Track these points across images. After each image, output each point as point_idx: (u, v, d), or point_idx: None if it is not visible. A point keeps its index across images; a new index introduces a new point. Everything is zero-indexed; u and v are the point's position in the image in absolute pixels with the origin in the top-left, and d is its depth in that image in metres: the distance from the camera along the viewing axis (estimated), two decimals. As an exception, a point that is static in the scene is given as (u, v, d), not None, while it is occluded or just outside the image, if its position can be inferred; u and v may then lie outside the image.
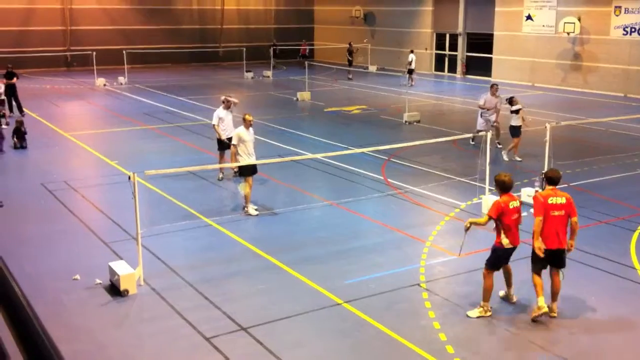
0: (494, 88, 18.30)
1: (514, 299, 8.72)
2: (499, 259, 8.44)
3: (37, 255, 10.43)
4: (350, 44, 38.10)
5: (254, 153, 12.71)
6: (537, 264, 8.34)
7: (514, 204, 8.31)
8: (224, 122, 14.66)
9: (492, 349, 7.62)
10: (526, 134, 17.82)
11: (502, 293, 8.79)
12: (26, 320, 1.35)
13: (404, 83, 32.06)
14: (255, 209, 12.51)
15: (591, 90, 30.38)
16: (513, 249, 8.41)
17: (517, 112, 16.82)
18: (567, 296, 8.91)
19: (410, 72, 32.94)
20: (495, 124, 17.94)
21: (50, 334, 1.37)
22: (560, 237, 8.21)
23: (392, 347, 7.64)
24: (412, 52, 34.15)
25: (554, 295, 8.38)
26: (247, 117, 12.73)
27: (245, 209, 12.52)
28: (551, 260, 8.30)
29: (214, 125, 14.76)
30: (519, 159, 16.74)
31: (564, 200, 8.34)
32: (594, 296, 9.01)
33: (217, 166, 14.45)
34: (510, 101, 17.01)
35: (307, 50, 43.95)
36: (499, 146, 17.90)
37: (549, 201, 8.22)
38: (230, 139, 13.19)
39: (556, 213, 8.19)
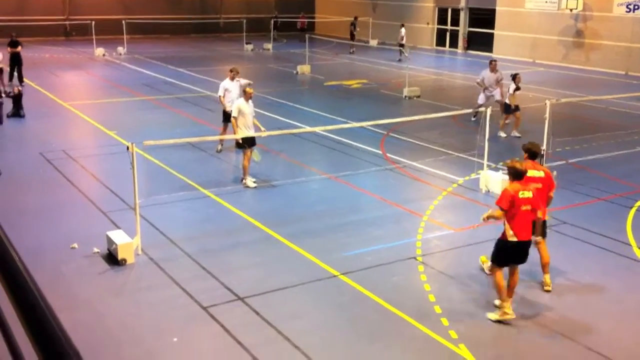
0: (493, 64, 18.14)
1: (512, 315, 7.70)
2: (504, 253, 7.69)
3: (36, 225, 10.46)
4: (355, 18, 37.75)
5: (252, 126, 12.66)
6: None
7: (525, 194, 7.55)
8: (230, 93, 14.44)
9: (486, 322, 7.69)
10: (526, 110, 17.78)
11: (497, 302, 7.93)
12: (25, 290, 1.36)
13: (399, 58, 32.27)
14: (254, 182, 12.53)
15: (593, 68, 30.24)
16: (521, 244, 7.58)
17: (517, 89, 16.73)
18: (563, 271, 8.98)
19: (401, 46, 32.96)
20: (500, 99, 17.80)
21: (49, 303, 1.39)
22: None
23: (388, 319, 7.71)
24: (402, 26, 34.12)
25: (544, 267, 8.37)
26: (247, 89, 12.71)
27: (244, 181, 12.54)
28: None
29: (219, 96, 14.63)
30: (518, 134, 16.70)
31: (542, 174, 8.31)
32: (589, 272, 9.07)
33: (216, 138, 14.42)
34: (514, 78, 16.86)
35: (306, 23, 43.41)
36: (507, 122, 17.74)
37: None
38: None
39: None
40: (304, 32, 39.74)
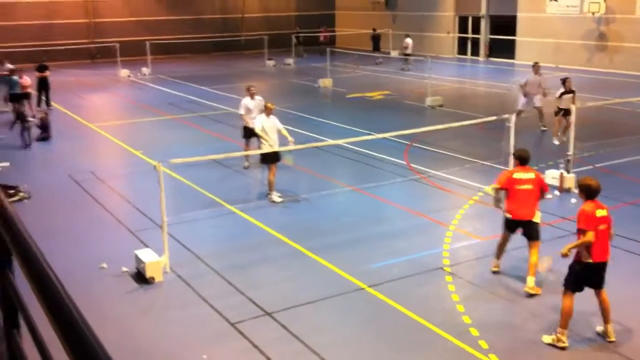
0: (536, 66, 18.14)
1: (612, 337, 7.33)
2: (577, 276, 7.26)
3: (65, 246, 10.61)
4: (374, 30, 37.83)
5: (276, 141, 12.72)
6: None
7: (601, 212, 7.20)
8: (252, 112, 14.51)
9: (516, 331, 7.61)
10: (551, 115, 17.63)
11: (599, 328, 7.53)
12: (66, 311, 1.40)
13: (402, 67, 32.90)
14: (279, 196, 12.58)
15: (617, 71, 29.87)
16: (597, 265, 7.19)
17: (567, 93, 16.34)
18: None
19: (408, 55, 33.30)
20: (539, 106, 17.74)
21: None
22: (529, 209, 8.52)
23: (417, 331, 7.67)
24: (407, 36, 34.34)
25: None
26: (268, 105, 12.80)
27: (269, 196, 12.60)
28: (522, 229, 8.67)
29: (241, 115, 14.73)
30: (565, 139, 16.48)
31: (532, 175, 8.67)
32: (619, 277, 8.93)
33: (242, 154, 14.50)
34: (564, 82, 16.47)
35: (329, 37, 43.54)
36: (544, 129, 17.71)
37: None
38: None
39: (523, 187, 8.44)
40: (325, 45, 39.99)
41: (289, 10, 46.14)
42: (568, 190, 12.56)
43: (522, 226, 8.79)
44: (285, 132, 12.67)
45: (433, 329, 7.64)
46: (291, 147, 12.77)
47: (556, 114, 16.50)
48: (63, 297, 1.43)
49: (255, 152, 13.13)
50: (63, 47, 36.94)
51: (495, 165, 14.25)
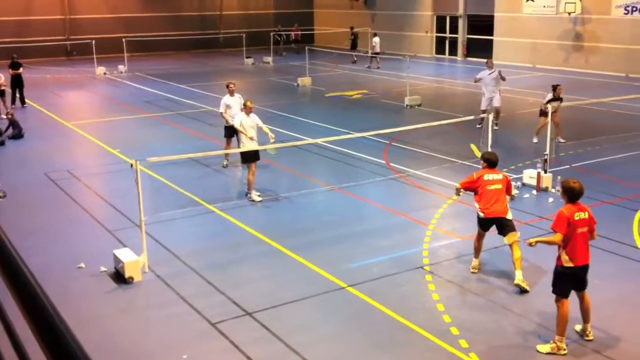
0: (489, 62, 18.57)
1: (590, 336, 7.39)
2: (563, 282, 7.19)
3: (42, 245, 10.47)
4: (351, 28, 37.86)
5: (257, 139, 12.68)
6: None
7: (580, 215, 7.10)
8: (232, 109, 14.46)
9: (496, 329, 7.66)
10: (527, 115, 17.79)
11: (577, 327, 7.55)
12: (43, 310, 1.37)
13: (370, 65, 33.42)
14: (259, 195, 12.53)
15: (593, 71, 30.23)
16: (579, 269, 7.13)
17: (554, 100, 16.19)
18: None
19: (376, 54, 33.69)
20: (498, 106, 17.96)
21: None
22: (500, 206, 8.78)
23: (397, 330, 7.68)
24: (375, 35, 34.92)
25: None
26: (248, 103, 12.75)
27: (249, 195, 12.55)
28: (497, 228, 8.87)
29: (221, 112, 14.64)
30: (562, 140, 16.57)
31: (500, 176, 8.97)
32: (597, 276, 9.02)
33: (220, 152, 14.42)
34: (555, 88, 16.33)
35: (300, 35, 42.66)
36: (495, 128, 17.84)
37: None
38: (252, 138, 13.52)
39: (493, 187, 8.76)
40: (297, 43, 40.10)
41: (267, 8, 46.01)
42: (545, 190, 12.68)
43: (495, 224, 8.90)
44: (266, 129, 12.63)
45: (413, 328, 7.66)
46: (271, 145, 12.72)
47: (542, 115, 16.32)
48: (39, 296, 1.40)
49: (234, 151, 13.06)
50: (39, 44, 36.48)
51: (474, 165, 14.32)
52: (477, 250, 9.22)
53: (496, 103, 18.02)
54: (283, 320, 7.93)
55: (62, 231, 11.17)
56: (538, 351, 7.17)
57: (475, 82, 18.69)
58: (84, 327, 7.76)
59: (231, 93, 14.52)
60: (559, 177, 12.85)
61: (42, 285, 1.46)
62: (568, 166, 14.47)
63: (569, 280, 7.15)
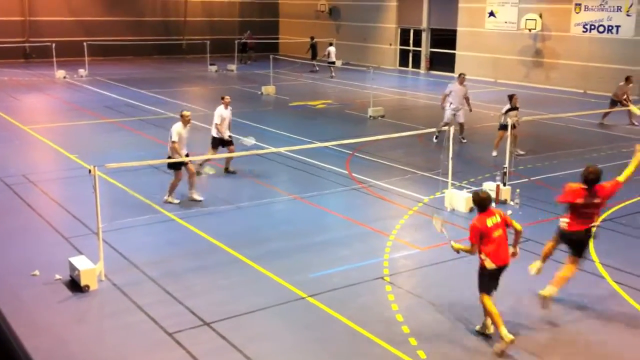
0: (461, 77, 18.45)
1: (490, 330, 7.80)
2: (485, 282, 7.66)
3: (-5, 251, 10.20)
4: (312, 38, 37.90)
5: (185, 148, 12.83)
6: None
7: (492, 220, 7.60)
8: (225, 121, 14.58)
9: (454, 340, 7.69)
10: (488, 128, 18.02)
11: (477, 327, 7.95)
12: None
13: (333, 75, 34.06)
14: (178, 201, 12.67)
15: (552, 87, 30.86)
16: (500, 268, 7.62)
17: (511, 110, 16.43)
18: (528, 286, 9.05)
19: (331, 63, 34.50)
20: (462, 122, 18.09)
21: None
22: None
23: (356, 340, 7.67)
24: (331, 44, 35.72)
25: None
26: (184, 113, 12.84)
27: (167, 198, 12.64)
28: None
29: (216, 124, 14.52)
30: (522, 152, 16.83)
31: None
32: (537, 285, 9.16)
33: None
34: (511, 98, 16.56)
35: (254, 44, 41.54)
36: (463, 141, 18.11)
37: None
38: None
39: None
40: (252, 51, 40.05)
41: (232, 16, 45.87)
42: (504, 202, 12.85)
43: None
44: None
45: (372, 339, 7.65)
46: (233, 154, 12.69)
47: (500, 128, 16.49)
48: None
49: (198, 159, 12.97)
50: (-4, 45, 35.73)
51: (434, 177, 14.45)
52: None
53: (460, 119, 18.12)
54: (241, 330, 7.85)
55: (16, 237, 10.89)
56: (495, 352, 7.39)
57: (445, 97, 18.26)
58: (37, 335, 7.57)
59: (226, 105, 14.61)
60: (518, 190, 13.05)
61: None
62: (526, 179, 14.70)
63: (491, 279, 7.66)
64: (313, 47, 37.24)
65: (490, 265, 7.56)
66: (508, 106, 16.59)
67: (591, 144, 18.64)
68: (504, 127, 16.29)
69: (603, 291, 9.21)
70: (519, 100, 16.77)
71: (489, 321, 7.75)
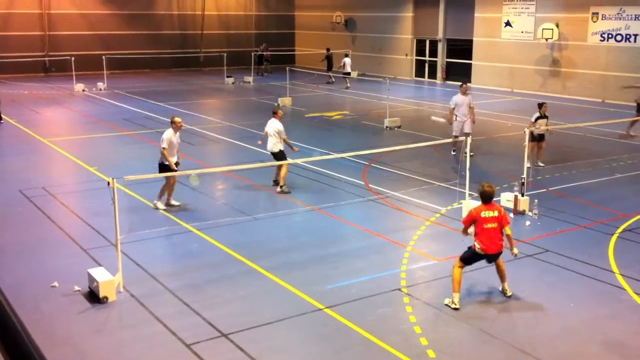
0: (463, 87, 18.17)
1: (509, 293, 9.02)
2: (469, 258, 8.87)
3: (15, 263, 10.30)
4: (327, 50, 37.87)
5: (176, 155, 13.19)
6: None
7: (488, 213, 8.70)
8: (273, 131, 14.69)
9: (473, 352, 7.64)
10: (505, 139, 17.94)
11: (500, 287, 9.16)
12: (11, 328, 1.34)
13: (346, 86, 33.98)
14: (164, 208, 12.98)
15: (570, 96, 30.68)
16: (489, 255, 8.80)
17: (541, 118, 16.35)
18: (547, 298, 8.98)
19: (346, 74, 34.60)
20: (469, 131, 17.46)
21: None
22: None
23: (374, 352, 7.64)
24: (346, 55, 36.00)
25: (502, 277, 9.10)
26: (175, 119, 13.21)
27: (156, 202, 13.02)
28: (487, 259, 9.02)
29: (284, 138, 14.63)
30: (541, 164, 16.65)
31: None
32: (572, 299, 9.08)
33: (197, 171, 14.37)
34: (540, 106, 16.50)
35: (269, 55, 41.57)
36: (471, 154, 17.56)
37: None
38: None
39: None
40: (268, 63, 40.26)
41: (248, 29, 46.16)
42: (522, 213, 12.76)
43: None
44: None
45: (390, 351, 7.62)
46: (254, 165, 12.76)
47: (531, 140, 15.59)
48: (9, 315, 1.36)
49: (201, 171, 13.02)
50: (17, 60, 36.22)
51: (451, 187, 14.41)
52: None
53: (467, 129, 17.63)
54: (258, 342, 7.85)
55: (36, 249, 10.99)
56: (445, 304, 8.69)
57: (453, 108, 17.98)
58: (56, 347, 7.63)
59: (279, 117, 14.86)
60: (536, 200, 12.96)
61: (14, 304, 1.42)
62: (545, 189, 14.60)
63: (478, 259, 8.84)
64: (329, 59, 37.32)
65: (478, 250, 8.67)
66: (537, 114, 16.45)
67: (610, 154, 18.49)
68: (537, 137, 16.16)
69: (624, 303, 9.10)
70: (547, 109, 16.65)
71: (506, 285, 8.98)
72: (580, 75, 30.74)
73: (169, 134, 12.94)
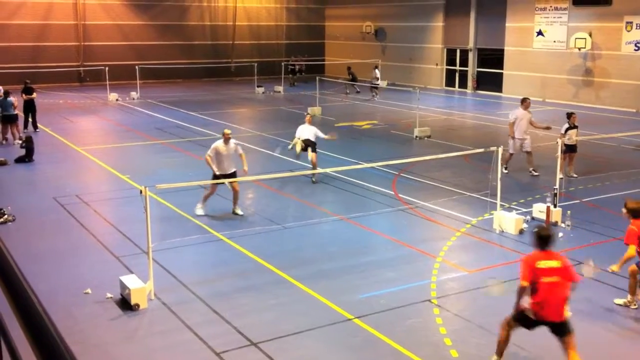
0: (527, 102, 17.23)
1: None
2: (518, 318, 7.02)
3: (49, 270, 10.47)
4: (349, 68, 37.56)
5: (230, 164, 13.31)
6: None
7: (546, 263, 6.68)
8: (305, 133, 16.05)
9: (504, 366, 7.55)
10: (538, 149, 17.74)
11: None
12: (47, 334, 1.38)
13: (372, 94, 33.99)
14: (202, 214, 13.17)
15: (603, 106, 30.26)
16: (543, 323, 6.83)
17: (571, 128, 16.16)
18: (580, 311, 8.84)
19: (376, 86, 34.44)
20: (530, 150, 16.82)
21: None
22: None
23: (403, 363, 7.59)
24: (376, 67, 36.04)
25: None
26: (224, 130, 13.55)
27: (197, 207, 13.29)
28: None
29: (317, 133, 16.08)
30: (574, 175, 16.44)
31: (558, 264, 6.79)
32: (609, 312, 8.93)
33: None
34: (569, 117, 16.26)
35: (304, 66, 41.99)
36: (535, 174, 16.69)
37: (537, 265, 6.73)
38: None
39: (548, 279, 6.68)
40: (300, 74, 40.38)
41: (279, 39, 46.46)
42: (555, 224, 12.60)
43: (546, 325, 6.96)
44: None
45: (420, 362, 7.57)
46: (283, 174, 12.87)
47: (563, 151, 14.96)
48: (45, 322, 1.40)
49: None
50: (52, 70, 36.93)
51: (483, 198, 14.29)
52: (502, 349, 7.28)
53: (527, 147, 16.84)
54: (288, 351, 7.86)
55: (70, 256, 11.17)
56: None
57: (512, 125, 16.88)
58: (88, 353, 7.73)
59: (309, 121, 16.59)
60: (569, 211, 12.79)
61: (49, 311, 1.45)
62: (578, 201, 14.41)
63: (524, 322, 7.07)
64: (352, 75, 37.32)
65: (530, 314, 6.70)
66: (567, 125, 16.27)
67: (645, 165, 18.17)
68: (569, 148, 15.97)
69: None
70: (577, 119, 16.45)
71: (629, 297, 8.70)
72: (613, 85, 30.31)
73: (217, 143, 13.30)
